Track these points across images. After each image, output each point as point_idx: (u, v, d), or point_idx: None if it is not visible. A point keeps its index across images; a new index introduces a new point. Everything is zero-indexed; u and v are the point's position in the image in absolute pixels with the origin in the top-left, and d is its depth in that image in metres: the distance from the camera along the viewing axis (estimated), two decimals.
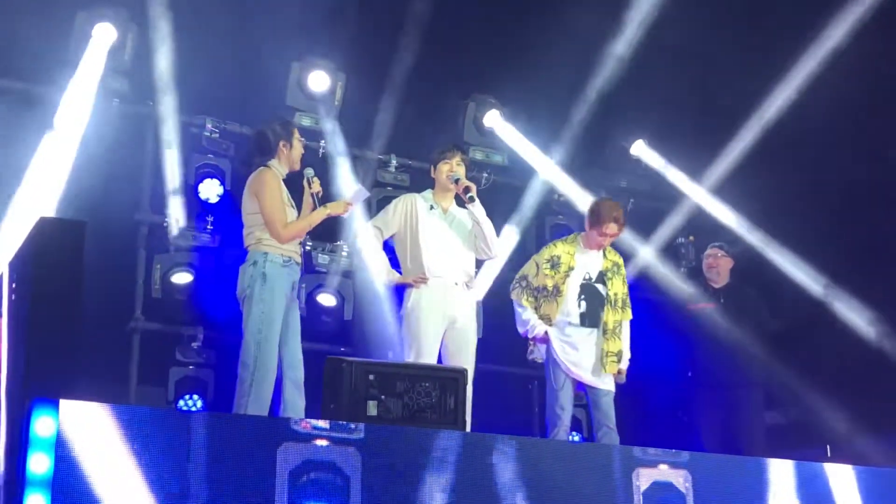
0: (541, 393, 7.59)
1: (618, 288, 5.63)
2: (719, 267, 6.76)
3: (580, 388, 5.58)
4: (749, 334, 6.57)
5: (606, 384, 5.54)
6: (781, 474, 4.69)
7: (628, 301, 5.69)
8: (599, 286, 5.59)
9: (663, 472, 4.40)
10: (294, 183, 5.36)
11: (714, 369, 6.50)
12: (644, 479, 4.34)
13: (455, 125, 7.67)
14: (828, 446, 6.73)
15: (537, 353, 5.69)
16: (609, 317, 5.55)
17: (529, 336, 5.60)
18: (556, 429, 5.46)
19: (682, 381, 6.84)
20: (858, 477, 4.85)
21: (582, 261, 5.61)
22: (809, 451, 6.48)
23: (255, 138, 5.40)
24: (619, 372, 5.54)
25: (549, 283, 5.52)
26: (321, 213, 5.23)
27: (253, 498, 3.68)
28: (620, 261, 5.79)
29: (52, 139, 6.31)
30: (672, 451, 4.56)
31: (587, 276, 5.58)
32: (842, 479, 4.84)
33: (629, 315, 5.67)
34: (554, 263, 5.56)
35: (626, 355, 5.60)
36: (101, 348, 6.24)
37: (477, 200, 5.49)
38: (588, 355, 5.51)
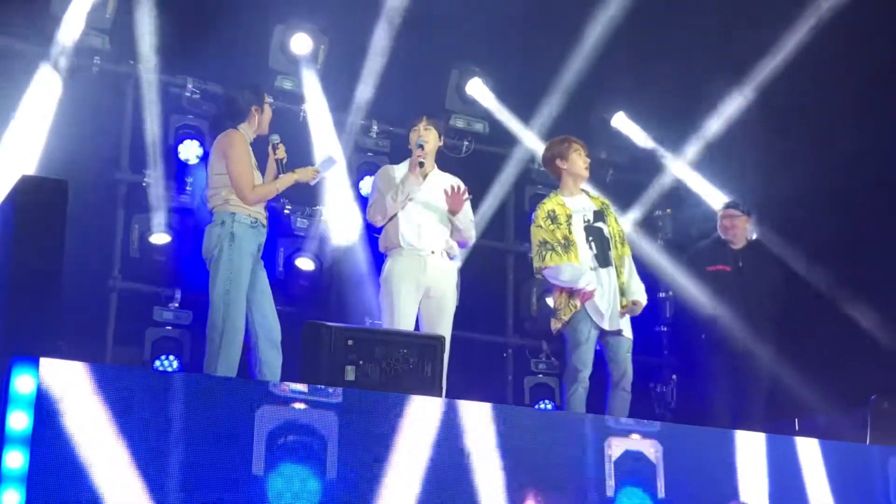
0: (516, 360, 7.68)
1: (615, 225, 5.67)
2: (736, 228, 6.62)
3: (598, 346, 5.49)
4: (763, 297, 6.54)
5: (626, 331, 5.50)
6: (751, 446, 4.78)
7: (625, 237, 5.72)
8: (600, 224, 5.59)
9: (635, 442, 4.47)
10: (260, 148, 5.36)
11: (728, 334, 6.44)
12: (616, 448, 4.41)
13: (437, 92, 7.66)
14: (796, 420, 6.82)
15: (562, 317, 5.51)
16: (615, 253, 5.57)
17: (581, 286, 5.40)
18: (576, 384, 5.37)
19: (691, 346, 6.79)
20: (824, 451, 4.95)
21: (574, 206, 5.61)
22: (780, 423, 6.56)
23: (226, 102, 5.43)
24: (636, 304, 5.51)
25: (559, 236, 5.51)
26: (289, 179, 5.23)
27: (231, 459, 3.72)
28: (607, 201, 5.82)
29: (33, 97, 6.27)
30: (644, 421, 4.64)
31: (586, 219, 5.58)
32: (809, 452, 4.93)
33: (629, 251, 5.69)
34: (552, 217, 5.54)
35: (641, 286, 5.57)
36: (79, 307, 6.24)
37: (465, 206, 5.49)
38: (608, 298, 5.46)
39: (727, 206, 6.76)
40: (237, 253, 5.03)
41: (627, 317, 5.55)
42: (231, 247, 5.04)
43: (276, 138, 5.36)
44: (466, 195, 5.54)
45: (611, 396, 5.46)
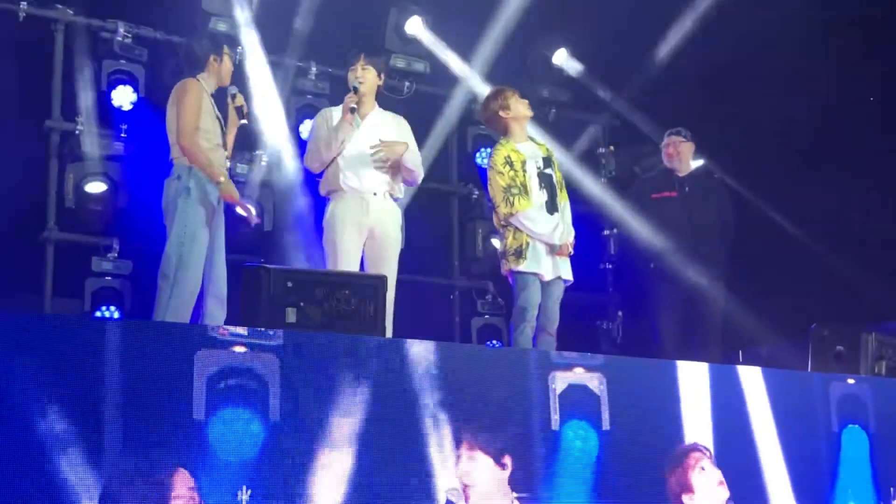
0: (462, 302, 7.68)
1: (558, 172, 5.75)
2: (681, 154, 6.63)
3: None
4: (712, 225, 6.55)
5: (566, 273, 5.58)
6: (695, 376, 4.82)
7: (564, 184, 5.79)
8: (549, 171, 5.65)
9: (578, 375, 4.48)
10: (223, 100, 5.32)
11: (675, 262, 6.45)
12: (560, 382, 4.41)
13: (376, 32, 7.54)
14: (740, 351, 6.91)
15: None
16: (559, 199, 5.64)
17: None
18: (524, 324, 5.44)
19: (638, 279, 6.81)
20: (766, 379, 5.00)
21: (526, 152, 5.63)
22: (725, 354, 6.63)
23: (184, 52, 5.37)
24: (567, 245, 5.57)
25: (518, 181, 5.52)
26: (218, 175, 5.09)
27: (170, 404, 3.66)
28: (550, 149, 5.87)
29: None
30: (587, 354, 4.64)
31: (538, 165, 5.62)
32: (752, 381, 4.99)
33: (567, 197, 5.75)
34: (510, 163, 5.55)
35: (572, 231, 5.65)
36: (14, 260, 6.12)
37: (397, 141, 5.46)
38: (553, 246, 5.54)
39: (670, 133, 6.76)
40: (192, 207, 5.00)
41: (567, 259, 5.60)
42: (187, 201, 5.01)
43: (233, 89, 5.37)
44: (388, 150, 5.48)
45: (538, 341, 5.52)
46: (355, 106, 5.44)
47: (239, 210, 5.27)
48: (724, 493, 4.72)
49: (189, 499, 3.59)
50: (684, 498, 4.64)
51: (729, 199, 6.84)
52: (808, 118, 7.08)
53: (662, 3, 7.51)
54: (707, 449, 4.73)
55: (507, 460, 4.20)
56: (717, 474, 4.72)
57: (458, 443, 4.11)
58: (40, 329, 3.57)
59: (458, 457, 4.11)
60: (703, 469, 4.67)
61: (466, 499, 4.08)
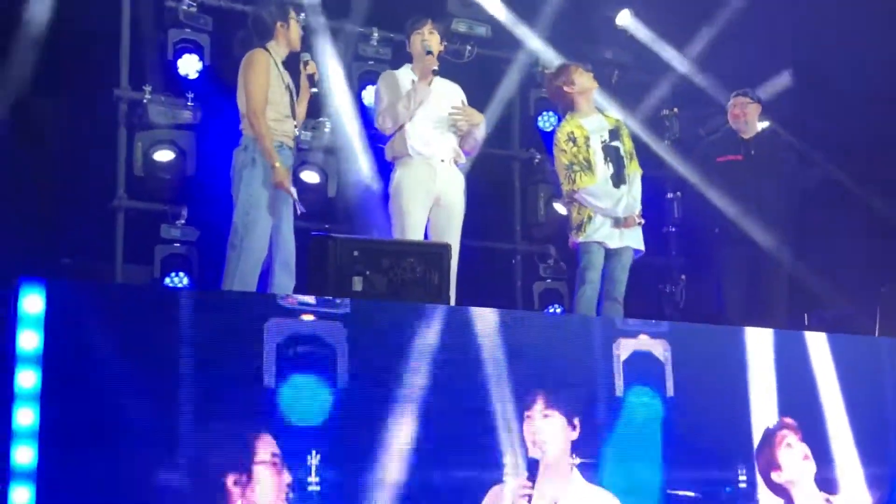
0: (524, 267, 7.69)
1: (628, 142, 5.76)
2: (746, 116, 6.51)
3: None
4: (778, 189, 6.46)
5: (635, 242, 5.61)
6: (759, 342, 4.80)
7: (635, 154, 5.80)
8: (616, 143, 5.67)
9: (643, 342, 4.49)
10: (295, 67, 5.37)
11: (740, 226, 6.37)
12: (624, 349, 4.43)
13: None
14: (806, 314, 6.83)
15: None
16: (627, 171, 5.66)
17: (620, 213, 5.55)
18: (584, 286, 5.49)
19: (703, 242, 6.77)
20: (832, 344, 4.96)
21: (591, 126, 5.66)
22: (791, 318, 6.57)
23: (252, 21, 5.41)
24: (633, 217, 5.60)
25: (581, 158, 5.56)
26: (273, 160, 5.06)
27: (241, 372, 3.76)
28: (621, 120, 5.92)
29: (24, 16, 6.17)
30: (652, 321, 4.65)
31: (603, 139, 5.65)
32: (817, 346, 4.95)
33: (638, 167, 5.76)
34: (573, 139, 5.60)
35: (638, 204, 5.66)
36: (86, 228, 6.25)
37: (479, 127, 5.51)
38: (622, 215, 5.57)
39: (736, 94, 6.64)
40: (258, 178, 5.04)
41: (637, 228, 5.62)
42: (252, 171, 5.07)
43: (306, 56, 5.41)
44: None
45: (603, 307, 5.55)
46: (436, 68, 5.46)
47: (283, 180, 5.25)
48: (811, 467, 4.73)
49: (272, 463, 3.69)
50: (773, 475, 4.68)
51: (796, 163, 6.73)
52: (882, 79, 6.93)
53: None
54: (795, 424, 4.74)
55: (577, 422, 4.26)
56: (803, 449, 4.74)
57: (530, 402, 4.16)
58: (118, 298, 3.68)
59: (532, 416, 4.16)
60: (789, 445, 4.70)
61: (545, 456, 4.15)
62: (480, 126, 5.59)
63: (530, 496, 4.10)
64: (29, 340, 3.50)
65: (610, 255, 5.58)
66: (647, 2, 7.84)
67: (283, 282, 5.10)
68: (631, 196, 5.62)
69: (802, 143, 6.97)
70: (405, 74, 5.60)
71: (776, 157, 6.59)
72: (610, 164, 5.61)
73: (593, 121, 5.71)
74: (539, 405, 4.19)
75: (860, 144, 7.08)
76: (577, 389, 4.32)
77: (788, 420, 4.77)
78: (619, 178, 5.61)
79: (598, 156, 5.59)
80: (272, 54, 5.24)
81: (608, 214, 5.56)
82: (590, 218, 5.55)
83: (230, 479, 3.64)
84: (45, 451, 3.42)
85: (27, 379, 3.46)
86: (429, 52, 5.49)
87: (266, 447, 3.70)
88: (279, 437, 3.74)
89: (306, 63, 5.37)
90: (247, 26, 5.62)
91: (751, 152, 6.54)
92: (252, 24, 5.41)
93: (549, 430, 4.20)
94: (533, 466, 4.14)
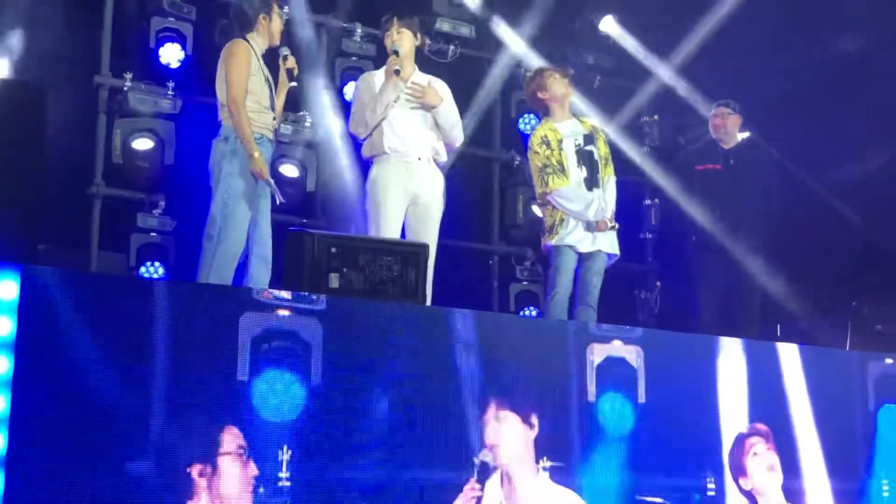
0: (501, 268, 7.70)
1: (603, 147, 5.81)
2: (727, 126, 6.59)
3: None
4: (756, 199, 6.52)
5: (609, 247, 5.64)
6: (732, 352, 4.83)
7: (611, 160, 5.84)
8: (590, 147, 5.72)
9: (616, 348, 4.52)
10: (274, 61, 5.35)
11: (717, 234, 6.44)
12: (598, 354, 4.45)
13: None
14: (778, 325, 6.88)
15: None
16: (602, 175, 5.71)
17: (591, 217, 5.58)
18: (556, 289, 5.52)
19: (679, 249, 6.81)
20: (803, 356, 5.01)
21: (565, 131, 5.72)
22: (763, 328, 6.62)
23: (235, 11, 5.38)
24: (604, 221, 5.62)
25: (553, 159, 5.59)
26: (252, 149, 5.02)
27: (215, 364, 3.74)
28: (597, 125, 5.97)
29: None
30: (626, 327, 4.67)
31: (577, 143, 5.69)
32: (789, 358, 4.99)
33: (612, 172, 5.81)
34: (545, 141, 5.66)
35: (611, 207, 5.69)
36: (62, 214, 6.20)
37: (436, 90, 5.46)
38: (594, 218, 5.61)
39: (719, 105, 6.72)
40: (238, 169, 5.02)
41: (611, 233, 5.65)
42: (232, 163, 5.04)
43: (285, 50, 5.38)
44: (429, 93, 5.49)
45: (577, 312, 5.58)
46: (399, 68, 5.44)
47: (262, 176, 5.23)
48: (777, 478, 4.77)
49: (237, 455, 3.69)
50: (741, 481, 4.72)
51: (774, 173, 6.79)
52: (859, 94, 6.99)
53: None
54: (766, 432, 4.77)
55: (535, 420, 4.26)
56: (770, 459, 4.78)
57: (486, 406, 4.17)
58: (94, 286, 3.66)
59: (487, 420, 4.17)
60: (756, 454, 4.74)
61: (496, 458, 4.14)
62: (442, 108, 5.51)
63: (479, 498, 4.10)
64: (1, 327, 3.47)
65: (582, 259, 5.63)
66: (631, 9, 7.87)
67: (260, 275, 5.08)
68: (604, 200, 5.66)
69: (781, 154, 7.01)
70: (381, 76, 5.59)
71: (755, 168, 6.64)
72: (583, 168, 5.66)
73: (567, 125, 5.76)
74: (492, 407, 4.19)
75: (840, 158, 7.13)
76: (549, 393, 4.33)
77: (761, 426, 4.81)
78: (592, 182, 5.66)
79: (571, 159, 5.65)
80: (252, 46, 5.22)
81: (580, 217, 5.60)
82: (562, 220, 5.59)
83: (195, 470, 3.63)
84: (15, 438, 3.39)
85: None
86: (394, 52, 5.48)
87: (232, 439, 3.69)
88: (250, 430, 3.73)
89: (286, 57, 5.34)
90: (229, 16, 5.60)
91: (730, 162, 6.59)
92: (234, 14, 5.38)
93: (503, 431, 4.20)
94: (484, 469, 4.13)
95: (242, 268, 5.12)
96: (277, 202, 5.24)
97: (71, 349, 3.53)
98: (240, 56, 5.10)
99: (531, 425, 4.26)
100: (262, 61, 5.29)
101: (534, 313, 7.31)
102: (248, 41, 5.22)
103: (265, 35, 5.28)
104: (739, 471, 4.74)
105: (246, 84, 5.08)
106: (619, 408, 4.46)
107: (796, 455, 4.89)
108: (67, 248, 6.23)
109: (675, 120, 8.08)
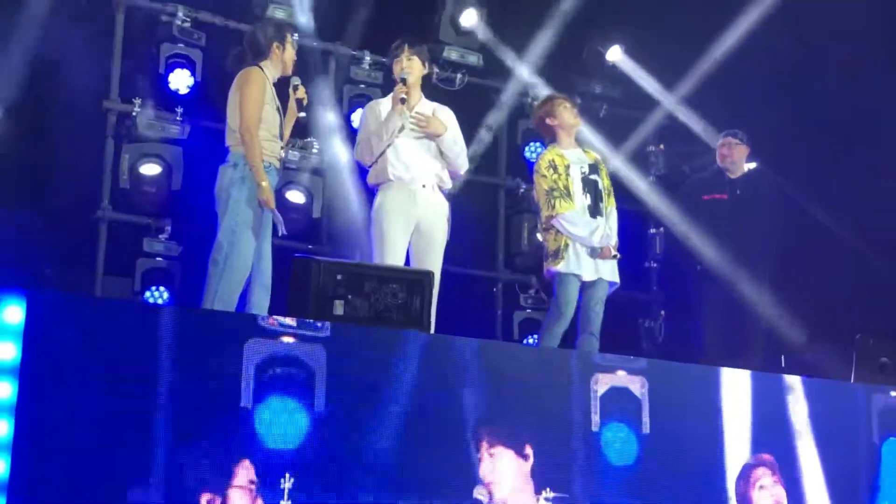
0: (505, 295, 7.71)
1: (605, 179, 5.86)
2: (734, 156, 6.62)
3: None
4: (762, 230, 6.52)
5: (610, 275, 5.65)
6: (736, 383, 4.82)
7: (613, 192, 5.88)
8: (595, 177, 5.76)
9: (620, 378, 4.50)
10: (285, 90, 5.38)
11: (722, 264, 6.44)
12: (602, 384, 4.44)
13: (431, 23, 7.56)
14: (783, 356, 6.87)
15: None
16: (604, 205, 5.75)
17: (596, 243, 5.60)
18: (561, 319, 5.54)
19: (683, 279, 6.81)
20: (808, 388, 4.99)
21: (571, 157, 5.76)
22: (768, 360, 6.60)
23: (248, 39, 5.40)
24: (608, 248, 5.64)
25: (560, 184, 5.64)
26: (261, 176, 5.03)
27: (219, 390, 3.74)
28: (600, 157, 6.01)
29: (18, 23, 6.17)
30: (630, 357, 4.66)
31: (583, 170, 5.73)
32: (793, 390, 4.97)
33: (614, 204, 5.85)
34: (552, 166, 5.69)
35: (614, 235, 5.71)
36: (69, 238, 6.24)
37: (441, 120, 5.47)
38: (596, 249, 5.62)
39: (726, 135, 6.74)
40: (246, 196, 5.03)
41: (612, 262, 5.67)
42: (241, 189, 5.04)
43: (296, 80, 5.40)
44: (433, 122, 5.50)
45: (580, 341, 5.59)
46: (405, 97, 5.46)
47: (267, 204, 5.23)
48: None
49: (248, 490, 3.68)
50: None
51: (780, 204, 6.79)
52: (866, 123, 7.01)
53: (718, 2, 7.45)
54: (773, 464, 4.75)
55: (529, 451, 4.23)
56: (777, 493, 4.74)
57: (479, 443, 4.15)
58: (99, 312, 3.66)
59: (481, 456, 4.15)
60: (762, 487, 4.71)
61: (491, 496, 4.11)
62: (446, 136, 5.52)
63: None
64: (6, 352, 3.47)
65: (585, 287, 5.63)
66: (638, 39, 7.91)
67: (262, 302, 5.09)
68: (608, 227, 5.68)
69: (788, 185, 7.02)
70: (388, 104, 5.61)
71: (761, 198, 6.65)
72: (588, 196, 5.69)
73: (574, 153, 5.81)
74: (484, 444, 4.16)
75: (846, 188, 7.14)
76: (553, 424, 4.31)
77: (766, 457, 4.78)
78: (595, 210, 5.69)
79: (576, 185, 5.68)
80: (266, 74, 5.25)
81: (584, 243, 5.61)
82: (566, 245, 5.60)
83: (203, 500, 3.62)
84: (18, 464, 3.38)
85: (2, 390, 3.44)
86: (402, 80, 5.49)
87: (245, 473, 3.69)
88: (253, 458, 3.72)
89: (296, 87, 5.37)
90: (242, 43, 5.62)
91: (736, 192, 6.60)
92: (248, 41, 5.39)
93: (498, 467, 4.15)
94: None
95: (243, 295, 5.12)
96: (280, 233, 5.26)
97: (75, 375, 3.53)
98: (255, 83, 5.11)
99: (525, 457, 4.23)
100: (273, 90, 5.32)
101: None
102: (262, 69, 5.24)
103: (278, 64, 5.29)
104: (745, 501, 4.71)
105: (260, 112, 5.08)
106: (623, 438, 4.44)
107: (800, 487, 4.85)
108: (73, 272, 6.25)
109: (680, 149, 8.10)
